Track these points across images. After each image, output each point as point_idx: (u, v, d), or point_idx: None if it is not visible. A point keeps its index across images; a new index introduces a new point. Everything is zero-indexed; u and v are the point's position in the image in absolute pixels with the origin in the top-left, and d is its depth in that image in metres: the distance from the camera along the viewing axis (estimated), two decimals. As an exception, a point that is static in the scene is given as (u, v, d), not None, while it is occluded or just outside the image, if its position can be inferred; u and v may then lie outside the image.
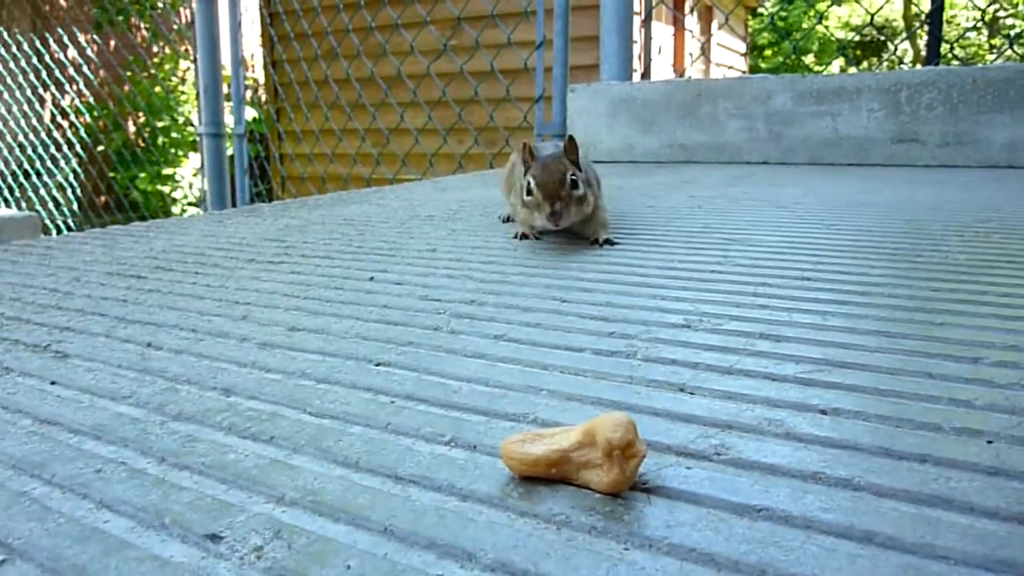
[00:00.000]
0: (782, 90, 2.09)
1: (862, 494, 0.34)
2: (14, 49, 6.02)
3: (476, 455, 0.39)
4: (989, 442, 0.39)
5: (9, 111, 6.29)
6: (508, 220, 1.17)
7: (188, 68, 8.15)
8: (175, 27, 8.51)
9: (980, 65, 2.16)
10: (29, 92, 6.14)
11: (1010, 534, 0.31)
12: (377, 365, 0.53)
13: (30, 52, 5.99)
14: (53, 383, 0.52)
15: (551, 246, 0.97)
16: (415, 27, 4.96)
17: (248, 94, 6.04)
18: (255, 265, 0.91)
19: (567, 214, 0.91)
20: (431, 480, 0.37)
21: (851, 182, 1.61)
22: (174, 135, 8.02)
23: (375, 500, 0.35)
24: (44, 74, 5.98)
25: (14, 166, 6.37)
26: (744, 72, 10.14)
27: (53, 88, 6.23)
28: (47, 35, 6.22)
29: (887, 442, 0.39)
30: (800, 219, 1.12)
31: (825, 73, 2.09)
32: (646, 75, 3.23)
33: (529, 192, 0.93)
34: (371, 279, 0.81)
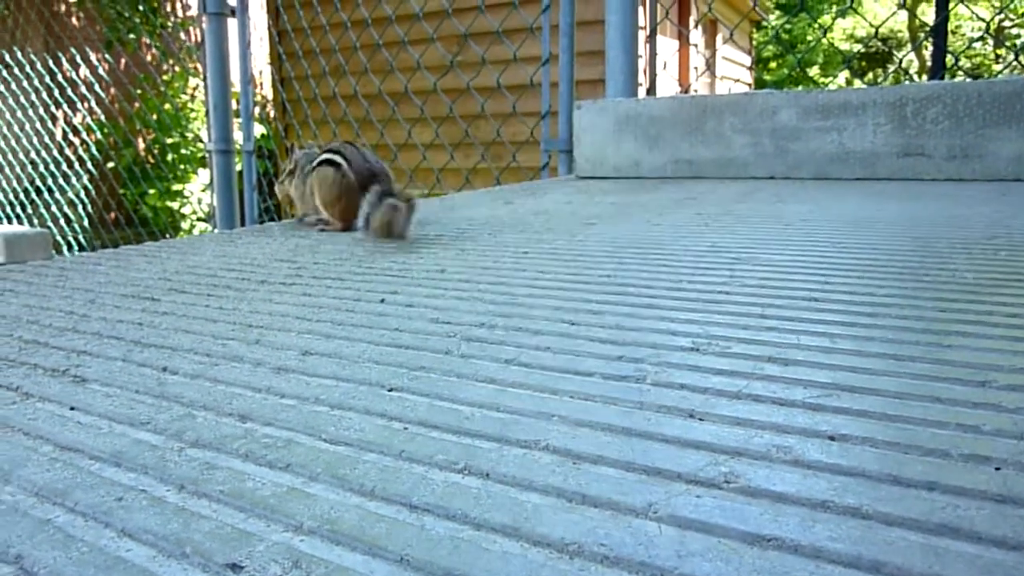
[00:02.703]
0: (787, 105, 2.09)
1: (870, 523, 0.35)
2: (28, 68, 6.09)
3: (489, 483, 0.40)
4: (997, 469, 0.39)
5: (22, 129, 6.35)
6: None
7: (197, 85, 8.22)
8: (185, 45, 8.60)
9: (986, 79, 2.17)
10: (41, 110, 6.20)
11: (1018, 563, 0.31)
12: (390, 390, 0.54)
13: (43, 71, 6.05)
14: (72, 408, 0.53)
15: (562, 268, 0.98)
16: (422, 44, 5.00)
17: (257, 111, 6.09)
18: (267, 287, 0.92)
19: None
20: (445, 509, 0.37)
21: (857, 197, 1.62)
22: (183, 151, 8.08)
23: (391, 529, 0.35)
24: (56, 92, 6.05)
25: (26, 183, 6.43)
26: (750, 84, 10.17)
27: (65, 106, 6.29)
28: (59, 54, 6.29)
29: (895, 469, 0.39)
30: (807, 237, 1.12)
31: (830, 88, 2.10)
32: (652, 90, 3.24)
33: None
34: (382, 301, 0.82)
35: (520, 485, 0.40)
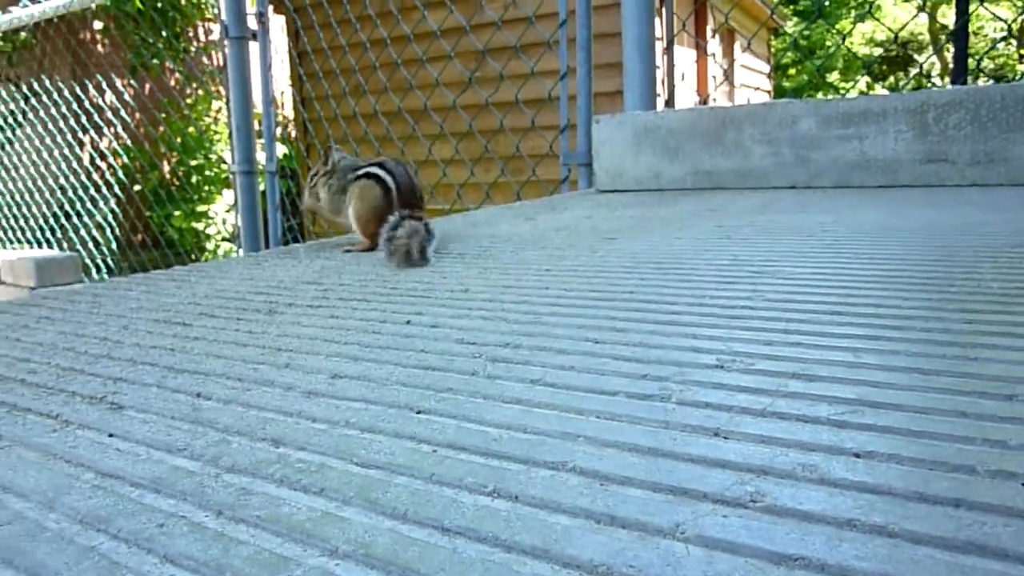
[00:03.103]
0: (807, 114, 2.09)
1: (897, 541, 0.35)
2: (55, 96, 6.23)
3: (518, 506, 0.41)
4: (1023, 484, 0.40)
5: (51, 155, 6.48)
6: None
7: (220, 108, 8.35)
8: (207, 69, 8.74)
9: (1009, 82, 2.15)
10: (69, 136, 6.33)
11: (1045, 580, 0.31)
12: (418, 413, 0.55)
13: (70, 98, 6.18)
14: (111, 435, 0.55)
15: (584, 284, 0.98)
16: (440, 61, 5.04)
17: (278, 131, 6.18)
18: (295, 309, 0.93)
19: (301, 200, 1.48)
20: (476, 532, 0.38)
21: (880, 206, 1.61)
22: (207, 173, 8.20)
23: (424, 553, 0.36)
24: (84, 119, 6.17)
25: (56, 208, 6.56)
26: (769, 92, 10.13)
27: (92, 131, 6.41)
28: (86, 81, 6.43)
29: (921, 486, 0.40)
30: (829, 248, 1.12)
31: (850, 96, 2.09)
32: (670, 101, 3.24)
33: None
34: (408, 322, 0.83)
35: (549, 507, 0.40)
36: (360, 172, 1.39)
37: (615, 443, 0.48)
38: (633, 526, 0.38)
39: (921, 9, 3.47)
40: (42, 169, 6.54)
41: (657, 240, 1.30)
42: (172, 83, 8.76)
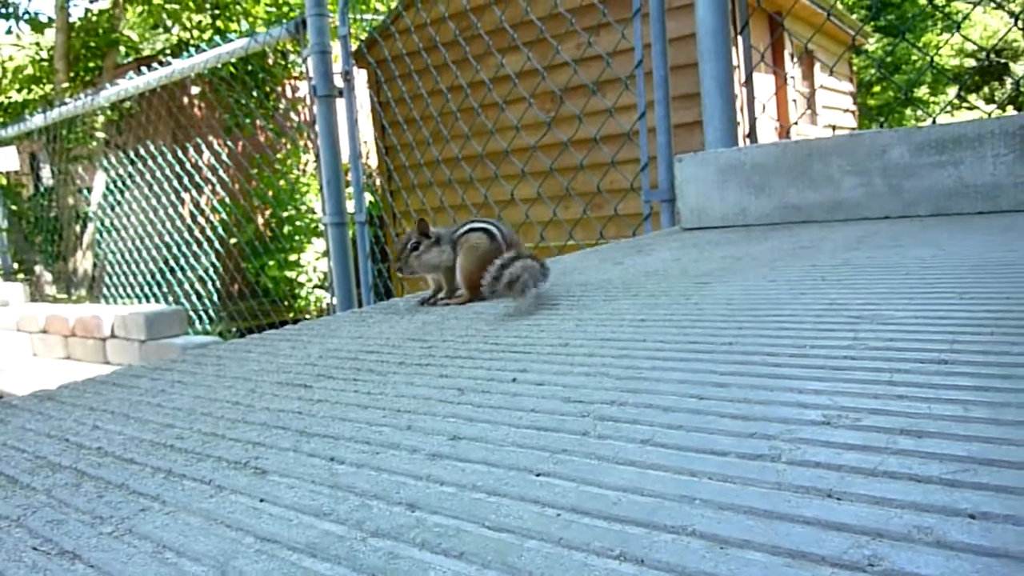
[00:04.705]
0: (897, 143, 2.06)
1: (1019, 607, 0.36)
2: (158, 159, 6.66)
3: (645, 569, 0.44)
4: None
5: (155, 214, 6.91)
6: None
7: (308, 160, 8.74)
8: (295, 124, 9.17)
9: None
10: (172, 196, 6.74)
11: None
12: (537, 475, 0.59)
13: (172, 160, 6.60)
14: (262, 501, 0.61)
15: (682, 336, 1.01)
16: (519, 104, 5.16)
17: (364, 180, 6.42)
18: (406, 368, 0.99)
19: (406, 266, 1.51)
20: (609, 596, 0.41)
21: (980, 235, 1.57)
22: (298, 223, 8.55)
23: (564, 617, 0.40)
24: (185, 179, 6.57)
25: (160, 263, 6.97)
26: (854, 112, 9.87)
27: (192, 190, 6.81)
28: (186, 144, 6.85)
29: (1041, 549, 0.41)
30: (930, 287, 1.11)
31: (941, 123, 2.05)
32: (751, 134, 3.23)
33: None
34: (514, 380, 0.87)
35: (674, 571, 0.43)
36: (465, 229, 1.48)
37: (731, 506, 0.50)
38: (757, 590, 0.40)
39: (1015, 17, 3.35)
40: (148, 228, 6.98)
41: (750, 283, 1.31)
42: (263, 140, 9.22)
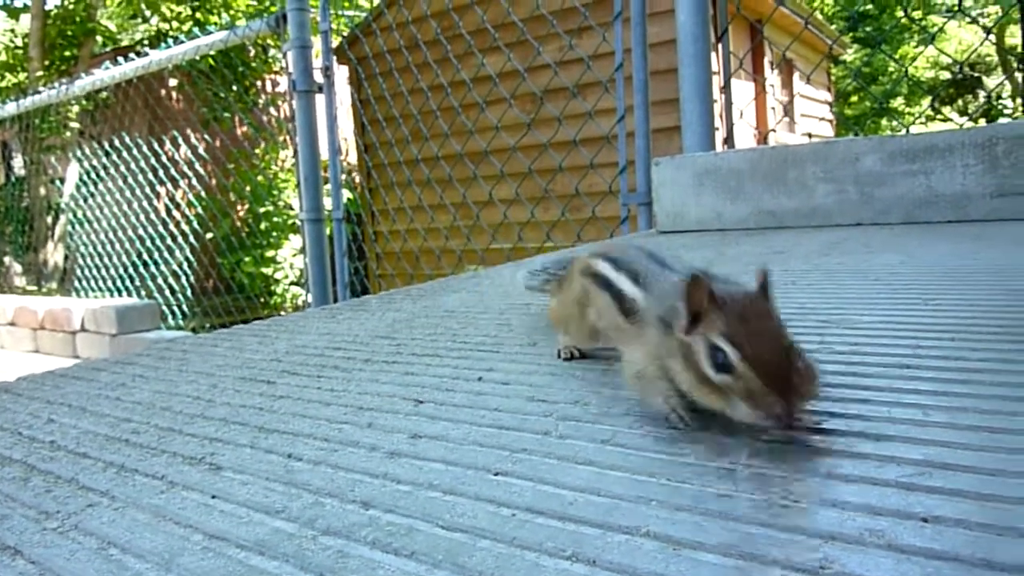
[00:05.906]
0: (870, 151, 2.08)
1: (966, 611, 0.36)
2: (134, 151, 6.56)
3: (596, 570, 0.43)
4: (1096, 552, 0.40)
5: (130, 207, 6.82)
6: (571, 357, 0.92)
7: (286, 157, 8.67)
8: (274, 119, 9.09)
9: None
10: (148, 189, 6.65)
11: (1116, 654, 0.32)
12: (496, 475, 0.58)
13: (148, 152, 6.51)
14: (214, 497, 0.59)
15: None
16: (499, 104, 5.15)
17: (343, 177, 6.38)
18: (372, 366, 0.98)
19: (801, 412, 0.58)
20: (558, 597, 0.41)
21: (949, 243, 1.59)
22: (275, 219, 8.48)
23: (511, 618, 0.39)
24: (161, 172, 6.48)
25: (134, 257, 6.87)
26: (831, 121, 9.97)
27: (168, 183, 6.72)
28: (162, 136, 6.76)
29: (989, 553, 0.41)
30: (897, 293, 1.12)
31: (914, 132, 2.07)
32: (729, 139, 3.25)
33: (725, 368, 0.59)
34: (479, 379, 0.86)
35: (626, 572, 0.43)
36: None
37: (687, 507, 0.50)
38: (707, 593, 0.40)
39: (988, 31, 3.39)
40: (122, 220, 6.88)
41: (720, 287, 1.31)
42: (241, 134, 9.14)
